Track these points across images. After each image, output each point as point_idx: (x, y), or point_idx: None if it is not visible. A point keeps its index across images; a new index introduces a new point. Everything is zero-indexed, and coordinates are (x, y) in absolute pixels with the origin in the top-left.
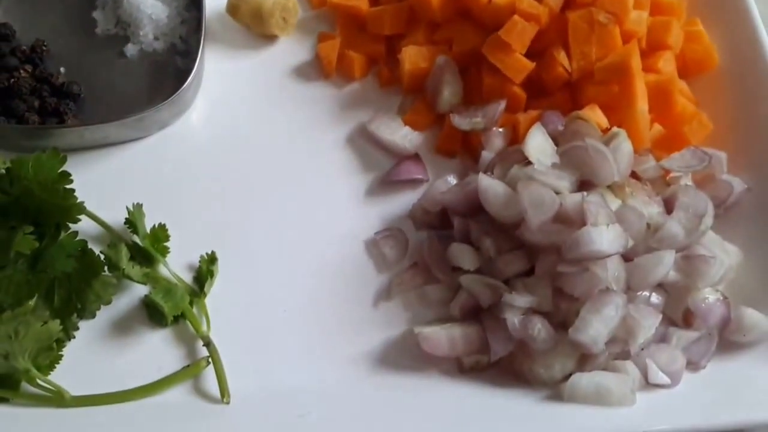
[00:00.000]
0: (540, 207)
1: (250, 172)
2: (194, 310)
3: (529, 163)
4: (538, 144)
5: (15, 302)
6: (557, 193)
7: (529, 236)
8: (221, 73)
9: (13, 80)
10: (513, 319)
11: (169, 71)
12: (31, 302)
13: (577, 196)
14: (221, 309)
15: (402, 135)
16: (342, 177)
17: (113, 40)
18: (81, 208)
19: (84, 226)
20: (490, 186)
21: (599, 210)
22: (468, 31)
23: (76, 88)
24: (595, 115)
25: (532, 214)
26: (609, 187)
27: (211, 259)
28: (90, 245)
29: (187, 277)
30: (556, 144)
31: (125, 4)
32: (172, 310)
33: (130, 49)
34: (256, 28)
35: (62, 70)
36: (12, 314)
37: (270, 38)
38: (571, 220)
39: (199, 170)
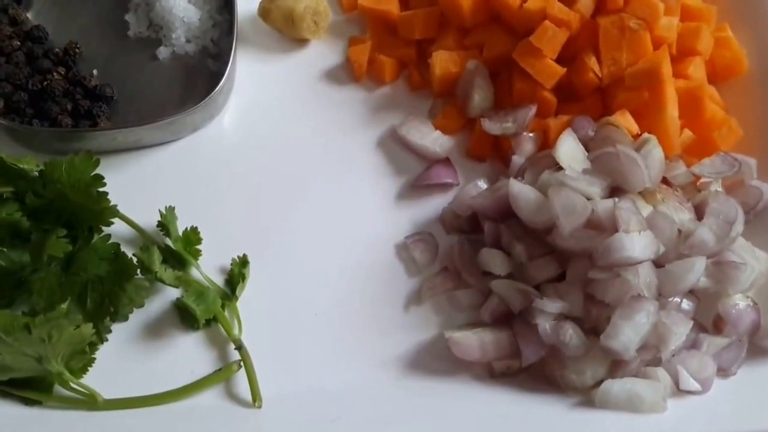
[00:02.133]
0: (572, 213)
1: (282, 175)
2: (226, 313)
3: (560, 168)
4: (569, 149)
5: (48, 305)
6: (588, 199)
7: (561, 242)
8: (253, 77)
9: (46, 83)
10: (544, 324)
11: (201, 74)
12: (64, 305)
13: (609, 202)
14: (253, 312)
15: (432, 139)
16: (372, 180)
17: (145, 42)
18: (114, 211)
19: (117, 229)
20: (521, 191)
21: (631, 216)
22: (499, 35)
23: (109, 90)
24: (625, 120)
25: (564, 220)
26: (640, 193)
27: (243, 262)
28: (123, 248)
29: (219, 280)
30: (587, 149)
31: (157, 7)
32: (204, 313)
33: (163, 52)
34: (287, 32)
35: (95, 72)
36: (45, 317)
37: (301, 42)
38: (603, 227)
39: (231, 173)
